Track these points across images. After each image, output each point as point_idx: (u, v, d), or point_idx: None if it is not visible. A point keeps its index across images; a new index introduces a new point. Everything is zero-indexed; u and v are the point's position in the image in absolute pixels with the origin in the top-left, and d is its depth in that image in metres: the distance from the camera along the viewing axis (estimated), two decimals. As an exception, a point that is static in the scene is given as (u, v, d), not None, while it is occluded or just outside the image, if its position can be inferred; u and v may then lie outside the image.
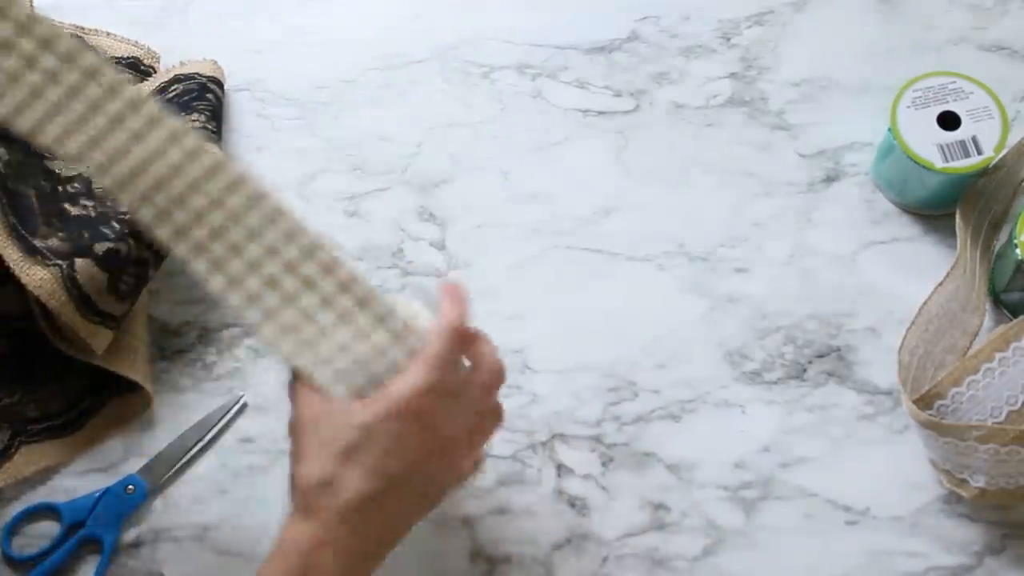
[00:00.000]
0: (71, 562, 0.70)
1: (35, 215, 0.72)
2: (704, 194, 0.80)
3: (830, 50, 0.84)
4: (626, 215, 0.79)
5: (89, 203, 0.73)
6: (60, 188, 0.74)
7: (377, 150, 0.82)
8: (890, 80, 0.80)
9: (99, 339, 0.70)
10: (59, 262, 0.68)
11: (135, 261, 0.71)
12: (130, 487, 0.71)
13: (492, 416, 0.61)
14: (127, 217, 0.71)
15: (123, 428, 0.73)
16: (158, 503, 0.71)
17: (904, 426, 0.72)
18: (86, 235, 0.70)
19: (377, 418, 0.54)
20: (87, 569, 0.70)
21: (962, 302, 0.72)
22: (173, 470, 0.72)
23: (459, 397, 0.57)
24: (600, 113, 0.83)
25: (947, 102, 0.76)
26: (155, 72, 0.83)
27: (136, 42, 0.84)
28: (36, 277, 0.67)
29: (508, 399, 0.73)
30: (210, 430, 0.73)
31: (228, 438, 0.73)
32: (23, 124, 0.53)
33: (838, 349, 0.75)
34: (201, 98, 0.78)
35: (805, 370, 0.74)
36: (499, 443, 0.72)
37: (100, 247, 0.69)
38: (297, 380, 0.58)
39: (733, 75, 0.84)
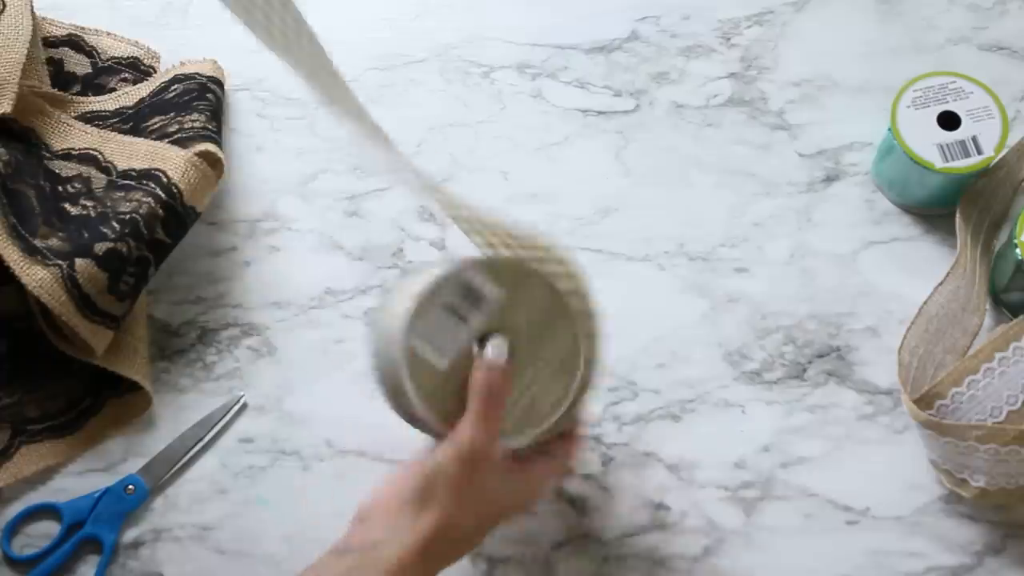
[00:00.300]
0: (71, 562, 0.70)
1: (35, 215, 0.72)
2: (704, 194, 0.80)
3: (830, 50, 0.84)
4: (626, 215, 0.79)
5: (89, 203, 0.73)
6: (60, 188, 0.74)
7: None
8: (890, 80, 0.80)
9: (99, 339, 0.70)
10: (59, 262, 0.68)
11: (135, 261, 0.71)
12: (130, 487, 0.71)
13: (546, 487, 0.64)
14: (127, 217, 0.71)
15: (123, 428, 0.73)
16: (158, 503, 0.71)
17: (904, 426, 0.72)
18: (86, 235, 0.70)
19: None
20: (87, 569, 0.70)
21: (962, 302, 0.72)
22: (173, 470, 0.72)
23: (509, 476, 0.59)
24: (600, 113, 0.83)
25: (947, 102, 0.76)
26: (155, 72, 0.83)
27: (136, 42, 0.84)
28: (36, 277, 0.67)
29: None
30: (210, 430, 0.73)
31: (228, 438, 0.73)
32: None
33: (838, 349, 0.75)
34: (201, 98, 0.78)
35: (805, 370, 0.74)
36: (499, 443, 0.72)
37: (100, 247, 0.69)
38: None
39: (733, 75, 0.84)
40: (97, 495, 0.71)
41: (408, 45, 0.86)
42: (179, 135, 0.76)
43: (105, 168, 0.75)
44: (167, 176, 0.73)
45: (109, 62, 0.83)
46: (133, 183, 0.73)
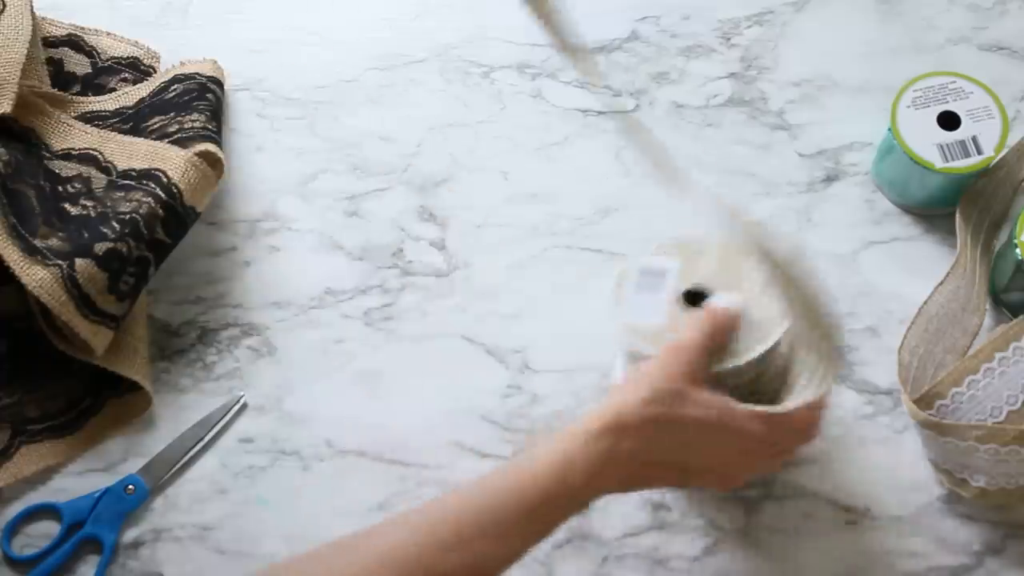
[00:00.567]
0: (71, 562, 0.70)
1: (35, 215, 0.72)
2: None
3: (830, 50, 0.84)
4: (626, 215, 0.79)
5: (89, 203, 0.73)
6: (60, 188, 0.74)
7: (377, 150, 0.82)
8: (890, 80, 0.80)
9: (99, 339, 0.70)
10: (59, 262, 0.68)
11: (135, 261, 0.71)
12: (130, 487, 0.71)
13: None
14: (127, 217, 0.71)
15: (123, 428, 0.73)
16: (158, 503, 0.71)
17: (904, 426, 0.72)
18: (86, 235, 0.70)
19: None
20: (87, 569, 0.70)
21: (962, 302, 0.72)
22: (173, 470, 0.72)
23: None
24: (600, 113, 0.83)
25: (947, 102, 0.76)
26: (155, 72, 0.83)
27: (136, 42, 0.84)
28: (36, 277, 0.67)
29: (508, 399, 0.73)
30: (210, 430, 0.73)
31: (228, 438, 0.73)
32: None
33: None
34: (201, 98, 0.78)
35: (805, 370, 0.74)
36: (498, 443, 0.72)
37: (100, 247, 0.69)
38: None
39: (733, 75, 0.84)
40: (97, 495, 0.71)
41: (408, 45, 0.86)
42: (179, 135, 0.76)
43: (105, 168, 0.75)
44: (167, 176, 0.73)
45: (109, 62, 0.83)
46: (133, 183, 0.73)
